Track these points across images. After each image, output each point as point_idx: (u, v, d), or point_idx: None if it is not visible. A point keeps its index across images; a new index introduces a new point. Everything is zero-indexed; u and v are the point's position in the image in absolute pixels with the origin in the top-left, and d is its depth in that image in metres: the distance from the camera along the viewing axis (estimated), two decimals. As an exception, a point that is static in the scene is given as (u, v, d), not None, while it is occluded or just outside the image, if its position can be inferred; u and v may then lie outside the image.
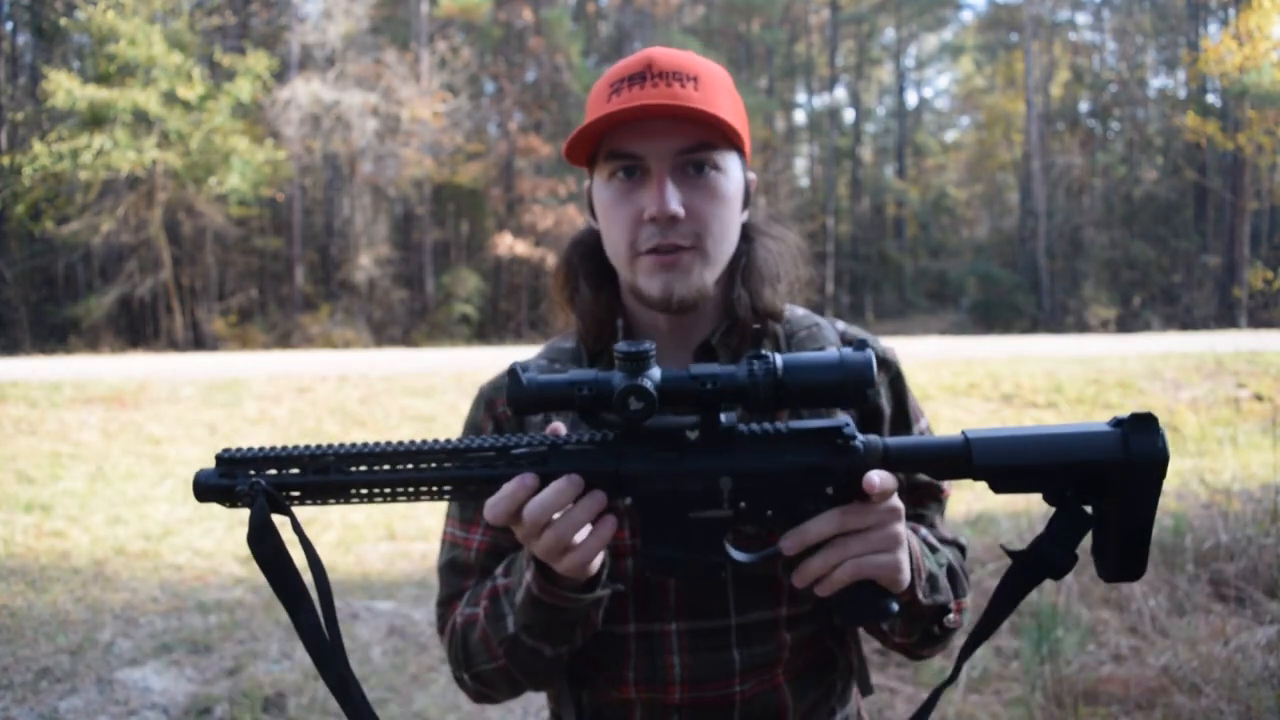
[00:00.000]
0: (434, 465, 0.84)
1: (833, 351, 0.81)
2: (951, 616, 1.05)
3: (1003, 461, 0.83)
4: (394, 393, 10.28)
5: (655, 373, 0.81)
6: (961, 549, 1.19)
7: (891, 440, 0.86)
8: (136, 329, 21.53)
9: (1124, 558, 0.83)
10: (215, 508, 6.30)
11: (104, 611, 4.63)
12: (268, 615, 4.61)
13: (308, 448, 0.84)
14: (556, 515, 0.83)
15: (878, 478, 0.83)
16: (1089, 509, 0.85)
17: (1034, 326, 23.56)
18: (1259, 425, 7.72)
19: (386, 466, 0.83)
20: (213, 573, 5.35)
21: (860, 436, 0.84)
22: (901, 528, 0.87)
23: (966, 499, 6.30)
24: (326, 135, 22.37)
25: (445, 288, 24.02)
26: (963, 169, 35.82)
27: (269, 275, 25.24)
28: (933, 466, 0.86)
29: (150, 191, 20.25)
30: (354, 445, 0.84)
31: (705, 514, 0.84)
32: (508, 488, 0.82)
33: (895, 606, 0.88)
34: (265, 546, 0.83)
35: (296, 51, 23.18)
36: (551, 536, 0.84)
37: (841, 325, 1.19)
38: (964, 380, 9.82)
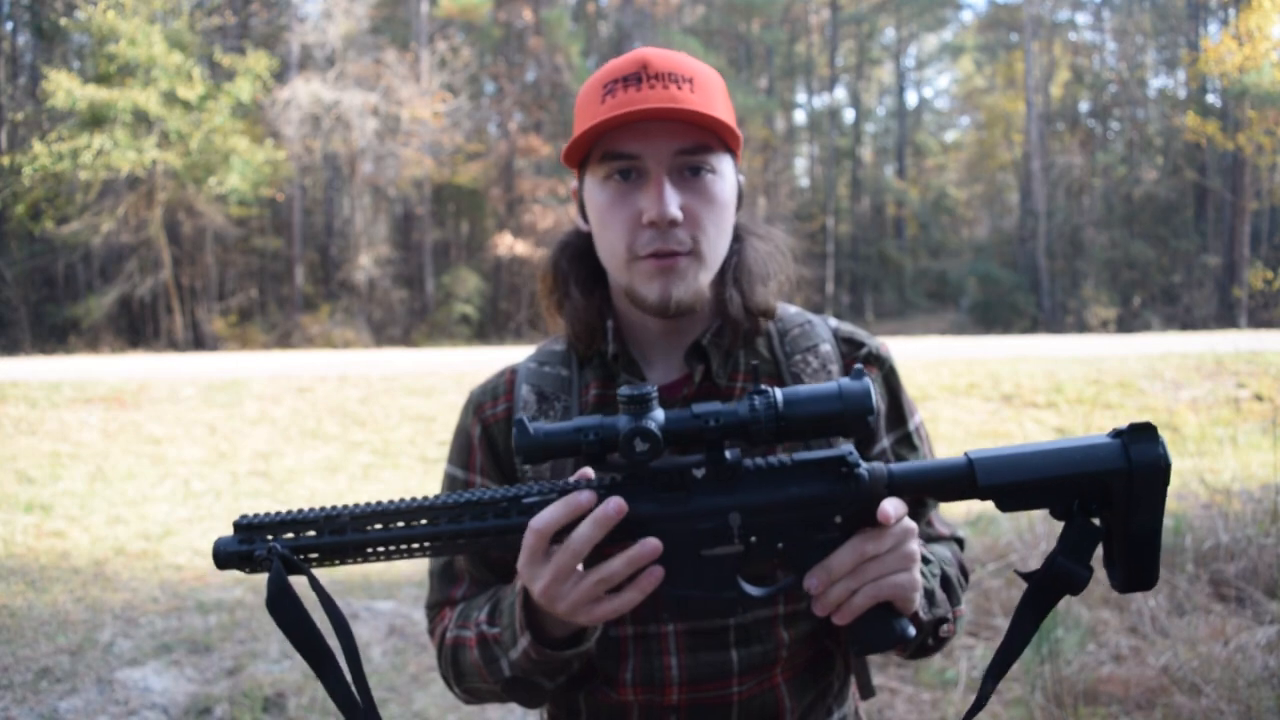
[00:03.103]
0: (448, 520, 0.84)
1: (831, 383, 0.82)
2: (947, 626, 1.06)
3: (1007, 479, 0.84)
4: (394, 393, 10.28)
5: (659, 414, 0.82)
6: (959, 542, 1.19)
7: (895, 466, 0.86)
8: (136, 329, 21.53)
9: (1134, 567, 0.84)
10: (215, 508, 6.27)
11: (104, 611, 4.63)
12: (267, 615, 4.61)
13: (324, 510, 0.85)
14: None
15: (891, 507, 0.84)
16: (1097, 521, 0.85)
17: (1034, 326, 23.56)
18: (1259, 425, 7.71)
19: (401, 524, 0.84)
20: (213, 573, 5.35)
21: (864, 465, 0.85)
22: (915, 545, 0.88)
23: (966, 499, 6.27)
24: (326, 135, 22.37)
25: (445, 288, 24.01)
26: (963, 169, 35.83)
27: (269, 275, 25.23)
28: (937, 489, 0.86)
29: (150, 191, 20.25)
30: (369, 505, 0.85)
31: (717, 551, 0.85)
32: (569, 500, 0.83)
33: (911, 630, 0.89)
34: (284, 610, 0.83)
35: (296, 51, 23.17)
36: (594, 580, 0.84)
37: (834, 322, 1.18)
38: (964, 380, 9.82)
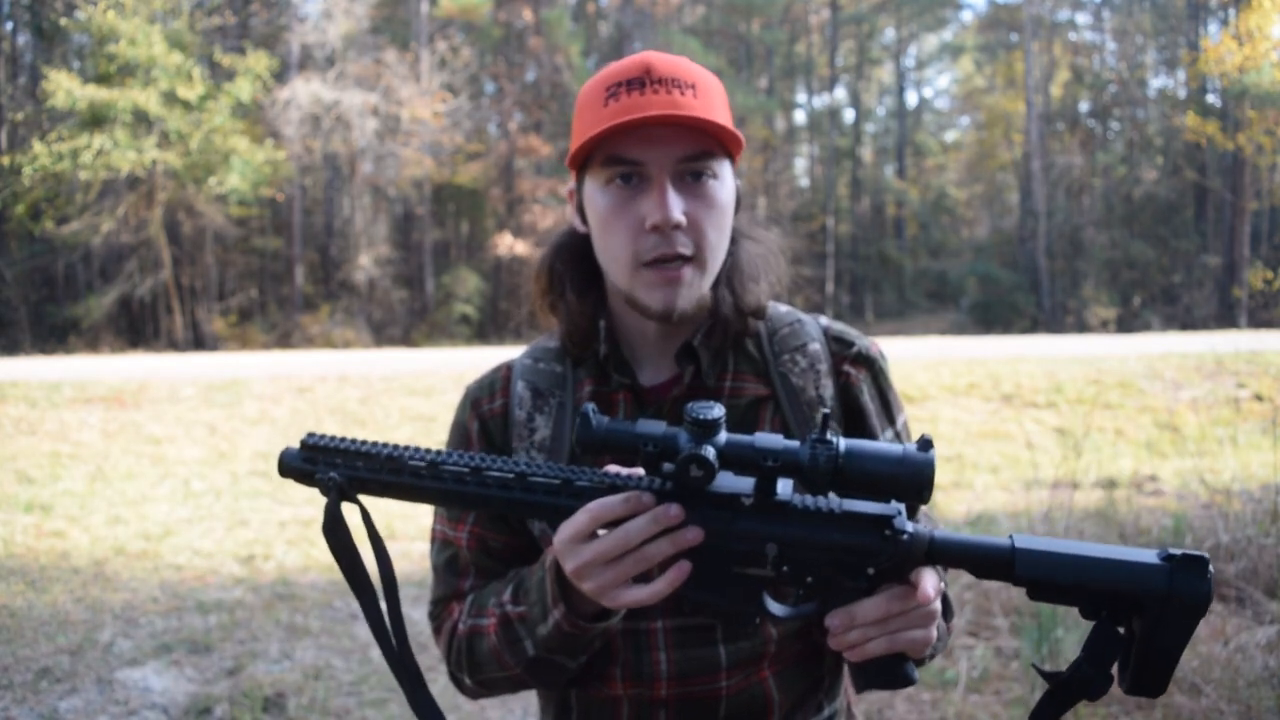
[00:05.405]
0: (499, 487, 0.88)
1: (896, 446, 0.83)
2: (939, 644, 1.07)
3: (1044, 576, 0.85)
4: (394, 393, 10.28)
5: (721, 438, 0.83)
6: None
7: (939, 533, 0.87)
8: (136, 329, 21.54)
9: (1147, 676, 0.85)
10: (215, 508, 6.28)
11: (104, 611, 4.63)
12: (268, 615, 4.61)
13: (386, 447, 0.89)
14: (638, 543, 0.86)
15: (932, 589, 0.86)
16: (1122, 629, 0.86)
17: (1034, 326, 23.57)
18: (1259, 425, 7.71)
19: (455, 481, 0.89)
20: (213, 573, 5.35)
21: (910, 528, 0.86)
22: (939, 606, 0.89)
23: (967, 499, 6.29)
24: (326, 135, 22.38)
25: (445, 288, 24.02)
26: (963, 169, 35.84)
27: (269, 275, 25.25)
28: (974, 565, 0.87)
29: (150, 191, 20.25)
30: (428, 452, 0.89)
31: (747, 570, 0.87)
32: (632, 497, 0.85)
33: (916, 676, 0.91)
34: (335, 536, 0.91)
35: (296, 51, 23.18)
36: (631, 562, 0.86)
37: (825, 320, 1.19)
38: (964, 380, 9.82)
